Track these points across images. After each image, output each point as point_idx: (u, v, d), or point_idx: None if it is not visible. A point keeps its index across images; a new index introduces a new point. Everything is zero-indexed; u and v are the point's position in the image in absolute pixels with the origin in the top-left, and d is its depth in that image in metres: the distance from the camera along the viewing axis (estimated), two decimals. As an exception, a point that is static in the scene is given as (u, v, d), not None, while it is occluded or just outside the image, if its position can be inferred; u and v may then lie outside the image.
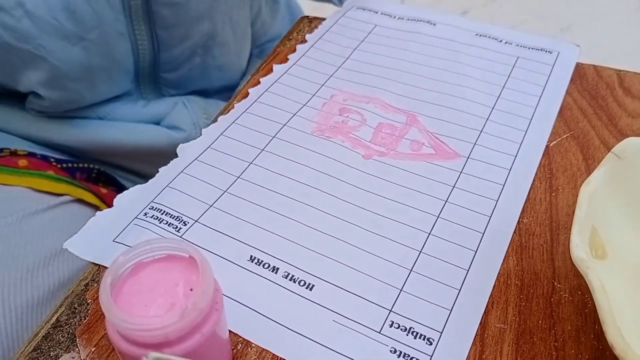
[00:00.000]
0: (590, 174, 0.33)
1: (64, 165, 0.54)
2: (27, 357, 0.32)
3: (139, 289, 0.27)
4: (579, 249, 0.28)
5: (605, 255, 0.32)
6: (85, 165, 0.57)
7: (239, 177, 0.42)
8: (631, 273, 0.33)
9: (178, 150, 0.44)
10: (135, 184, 0.59)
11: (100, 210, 0.53)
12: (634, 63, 0.73)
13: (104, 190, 0.57)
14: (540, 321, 0.33)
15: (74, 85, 0.51)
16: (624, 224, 0.34)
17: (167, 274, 0.28)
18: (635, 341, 0.29)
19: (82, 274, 0.36)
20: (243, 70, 0.65)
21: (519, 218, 0.39)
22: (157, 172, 0.59)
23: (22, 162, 0.46)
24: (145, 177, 0.59)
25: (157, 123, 0.57)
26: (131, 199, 0.41)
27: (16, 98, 0.54)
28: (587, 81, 0.50)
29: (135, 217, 0.39)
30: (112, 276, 0.26)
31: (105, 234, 0.38)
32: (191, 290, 0.27)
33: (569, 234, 0.30)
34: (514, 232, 0.38)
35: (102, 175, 0.58)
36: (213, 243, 0.37)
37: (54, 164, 0.54)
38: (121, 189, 0.59)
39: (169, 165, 0.43)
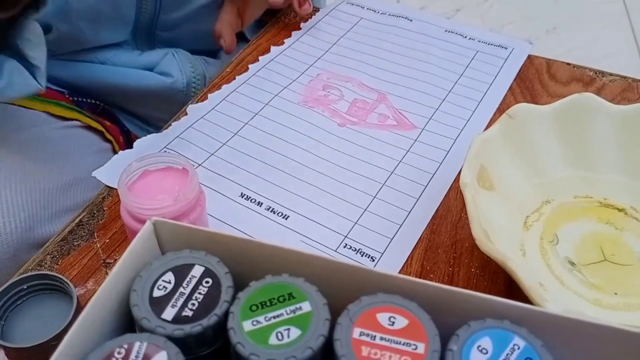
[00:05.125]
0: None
1: (74, 98, 0.64)
2: (57, 245, 0.44)
3: (146, 188, 0.39)
4: (466, 177, 0.39)
5: (493, 187, 0.42)
6: (92, 101, 0.66)
7: (236, 133, 0.53)
8: (515, 204, 0.43)
9: (188, 109, 0.56)
10: (133, 123, 0.70)
11: (105, 136, 0.63)
12: (610, 64, 0.78)
13: (108, 123, 0.66)
14: (445, 239, 0.44)
15: (80, 23, 0.58)
16: (514, 168, 0.44)
17: (167, 179, 0.39)
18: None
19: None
20: None
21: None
22: (151, 114, 0.69)
23: (41, 91, 0.54)
24: (140, 118, 0.70)
25: (151, 69, 0.66)
26: (149, 143, 0.52)
27: None
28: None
29: None
30: (127, 175, 0.38)
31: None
32: (182, 189, 0.38)
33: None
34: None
35: (106, 111, 0.68)
36: (213, 182, 0.48)
37: (67, 95, 0.64)
38: (122, 125, 0.68)
39: (180, 120, 0.54)
